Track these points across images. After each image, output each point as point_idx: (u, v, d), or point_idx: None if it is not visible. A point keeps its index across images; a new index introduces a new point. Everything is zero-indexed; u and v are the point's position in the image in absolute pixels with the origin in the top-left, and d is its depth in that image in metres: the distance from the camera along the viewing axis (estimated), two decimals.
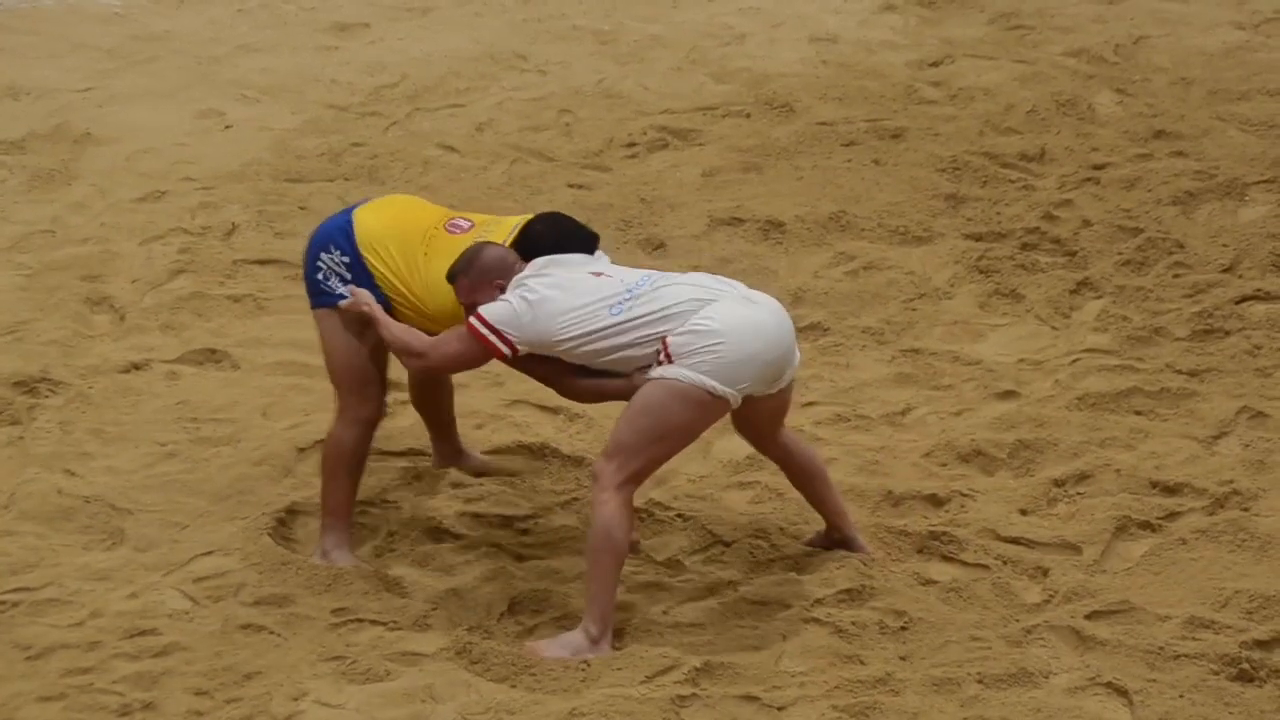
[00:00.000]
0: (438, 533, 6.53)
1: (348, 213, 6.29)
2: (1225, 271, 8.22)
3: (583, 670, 5.73)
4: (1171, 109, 9.93)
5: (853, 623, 5.98)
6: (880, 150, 9.62)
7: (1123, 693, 5.55)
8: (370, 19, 11.72)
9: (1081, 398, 7.29)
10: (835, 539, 6.32)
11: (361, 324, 6.17)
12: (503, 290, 5.91)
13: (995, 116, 9.92)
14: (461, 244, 6.06)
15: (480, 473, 6.85)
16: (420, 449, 7.06)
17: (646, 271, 5.99)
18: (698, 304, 5.78)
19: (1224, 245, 8.44)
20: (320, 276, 6.20)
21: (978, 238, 8.67)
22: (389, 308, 6.13)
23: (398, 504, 6.71)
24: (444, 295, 6.05)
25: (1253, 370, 7.45)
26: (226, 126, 10.19)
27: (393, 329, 6.05)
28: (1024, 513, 6.58)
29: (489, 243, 6.01)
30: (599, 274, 5.92)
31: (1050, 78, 10.39)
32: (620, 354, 5.82)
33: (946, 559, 6.33)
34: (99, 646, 5.90)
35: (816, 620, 6.01)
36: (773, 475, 6.58)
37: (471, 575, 6.28)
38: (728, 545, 6.44)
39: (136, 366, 7.71)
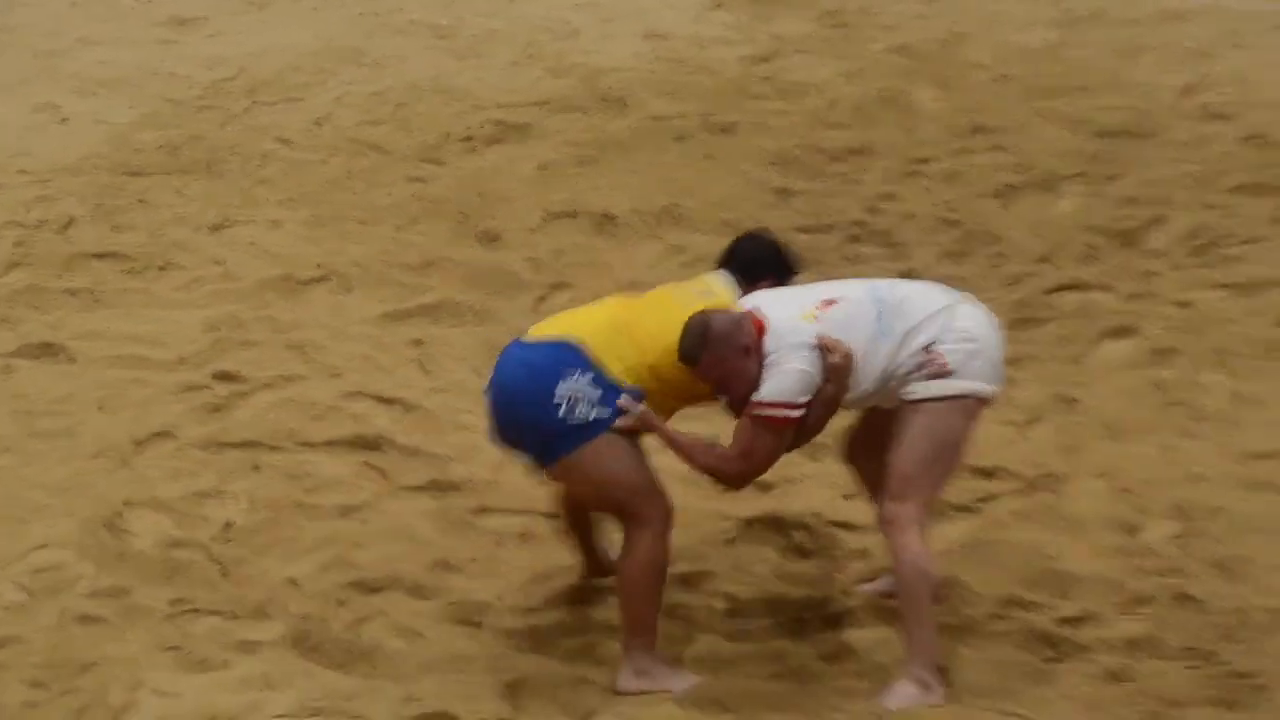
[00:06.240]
0: (275, 523, 6.54)
1: (550, 342, 5.55)
2: (1041, 262, 8.40)
3: (415, 657, 5.80)
4: (990, 104, 10.10)
5: (686, 605, 6.07)
6: (712, 144, 9.72)
7: (938, 668, 5.71)
8: (208, 12, 11.69)
9: None
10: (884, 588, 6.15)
11: (630, 435, 5.58)
12: (748, 352, 5.43)
13: (822, 111, 10.04)
14: (659, 293, 5.70)
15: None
16: (259, 440, 7.08)
17: (851, 284, 5.66)
18: (948, 312, 5.58)
19: (1040, 236, 8.63)
20: (562, 414, 5.46)
21: (806, 230, 8.77)
22: (639, 397, 5.56)
23: (236, 495, 6.72)
24: (669, 344, 5.53)
25: (1064, 358, 7.63)
26: (63, 120, 10.13)
27: (692, 451, 5.56)
28: (847, 498, 6.69)
29: (705, 311, 5.48)
30: (829, 299, 5.55)
31: (874, 74, 10.54)
32: (893, 378, 5.52)
33: (773, 542, 6.45)
34: None
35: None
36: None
37: (309, 564, 6.30)
38: None
39: None
